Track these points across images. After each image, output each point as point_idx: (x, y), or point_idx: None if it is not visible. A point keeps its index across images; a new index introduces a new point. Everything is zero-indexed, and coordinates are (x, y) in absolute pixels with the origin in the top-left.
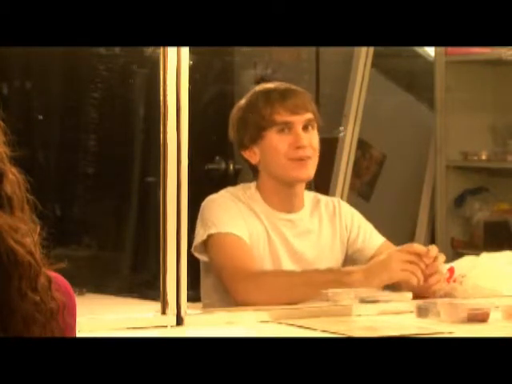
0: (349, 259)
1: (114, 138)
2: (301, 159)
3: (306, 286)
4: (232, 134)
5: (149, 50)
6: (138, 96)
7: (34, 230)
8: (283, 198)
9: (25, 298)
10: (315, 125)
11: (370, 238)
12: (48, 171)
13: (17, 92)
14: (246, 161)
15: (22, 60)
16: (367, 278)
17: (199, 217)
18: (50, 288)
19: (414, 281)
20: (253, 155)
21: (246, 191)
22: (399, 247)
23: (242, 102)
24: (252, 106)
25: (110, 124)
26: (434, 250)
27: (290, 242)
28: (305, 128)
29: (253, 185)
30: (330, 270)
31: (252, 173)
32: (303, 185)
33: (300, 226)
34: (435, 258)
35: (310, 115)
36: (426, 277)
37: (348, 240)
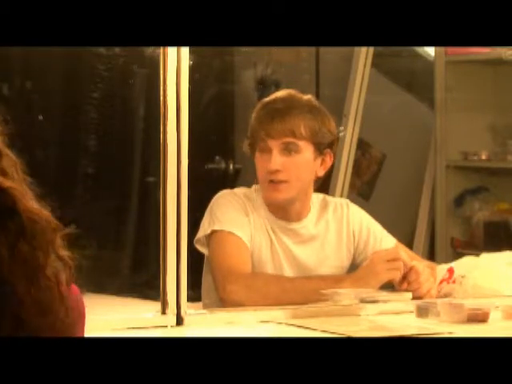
0: (360, 266)
1: (114, 138)
2: (273, 182)
3: (295, 293)
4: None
5: (149, 50)
6: (137, 96)
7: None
8: (282, 209)
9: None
10: (299, 148)
11: (381, 243)
12: (48, 171)
13: (17, 92)
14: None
15: (22, 60)
16: (356, 286)
17: (208, 209)
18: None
19: (398, 276)
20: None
21: (258, 193)
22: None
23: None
24: (254, 115)
25: (109, 124)
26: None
27: (291, 250)
28: (285, 151)
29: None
30: (321, 278)
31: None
32: (305, 194)
33: (303, 235)
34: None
35: (288, 139)
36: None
37: (356, 249)
